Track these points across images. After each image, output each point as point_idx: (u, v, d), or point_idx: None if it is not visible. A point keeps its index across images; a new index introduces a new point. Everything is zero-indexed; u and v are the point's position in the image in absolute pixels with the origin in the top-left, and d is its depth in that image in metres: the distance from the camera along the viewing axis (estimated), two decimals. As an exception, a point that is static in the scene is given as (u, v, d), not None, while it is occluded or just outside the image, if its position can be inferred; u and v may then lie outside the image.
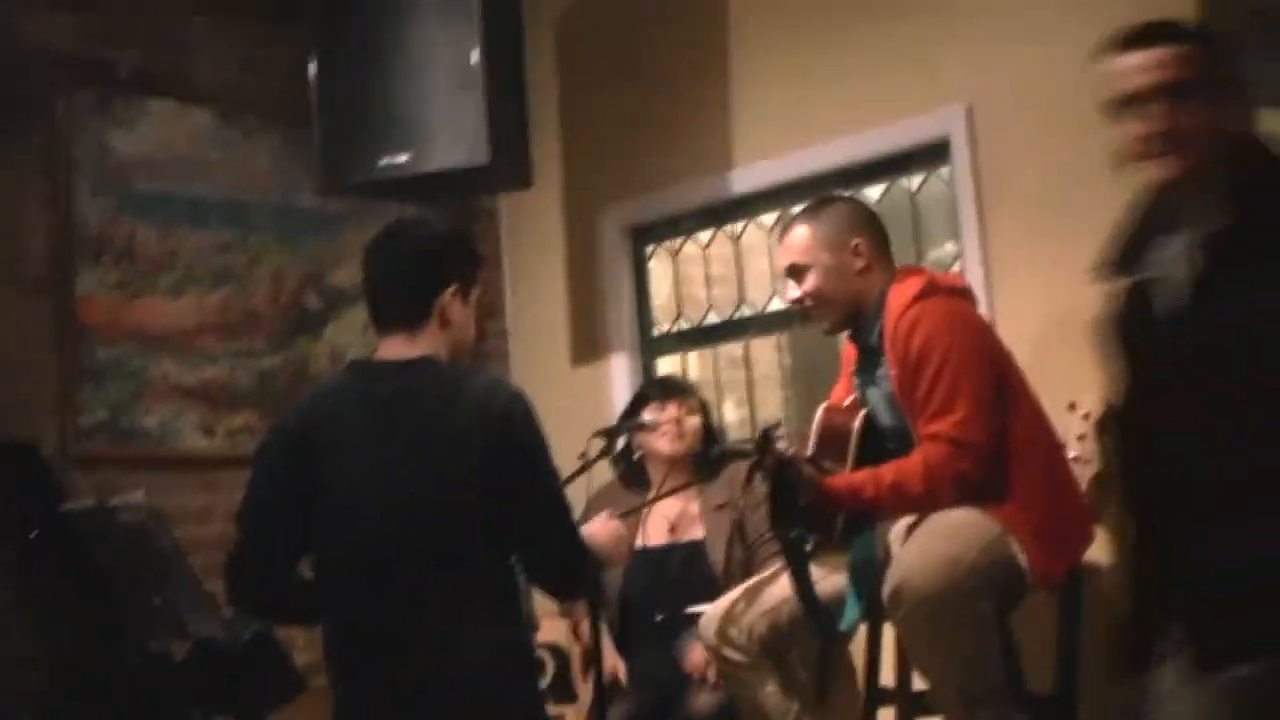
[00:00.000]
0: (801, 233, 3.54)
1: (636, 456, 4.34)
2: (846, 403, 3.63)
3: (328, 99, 4.51)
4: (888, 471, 3.29)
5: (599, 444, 4.00)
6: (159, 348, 4.77)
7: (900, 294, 3.38)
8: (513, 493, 2.83)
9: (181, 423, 4.80)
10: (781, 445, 3.28)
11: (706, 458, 4.23)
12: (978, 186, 4.24)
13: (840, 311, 3.52)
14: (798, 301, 3.57)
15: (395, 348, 2.94)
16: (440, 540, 2.81)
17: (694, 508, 4.26)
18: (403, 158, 4.41)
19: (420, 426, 2.86)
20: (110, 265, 4.71)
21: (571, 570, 2.99)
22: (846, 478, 3.36)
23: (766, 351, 5.34)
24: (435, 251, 2.99)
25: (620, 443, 4.33)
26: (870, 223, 3.58)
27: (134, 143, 4.83)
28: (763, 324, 5.05)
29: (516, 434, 2.84)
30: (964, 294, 3.51)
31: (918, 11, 4.42)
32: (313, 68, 4.52)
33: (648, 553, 4.24)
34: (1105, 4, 3.95)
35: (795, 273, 3.53)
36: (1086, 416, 3.84)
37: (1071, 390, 3.80)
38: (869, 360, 3.52)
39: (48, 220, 4.63)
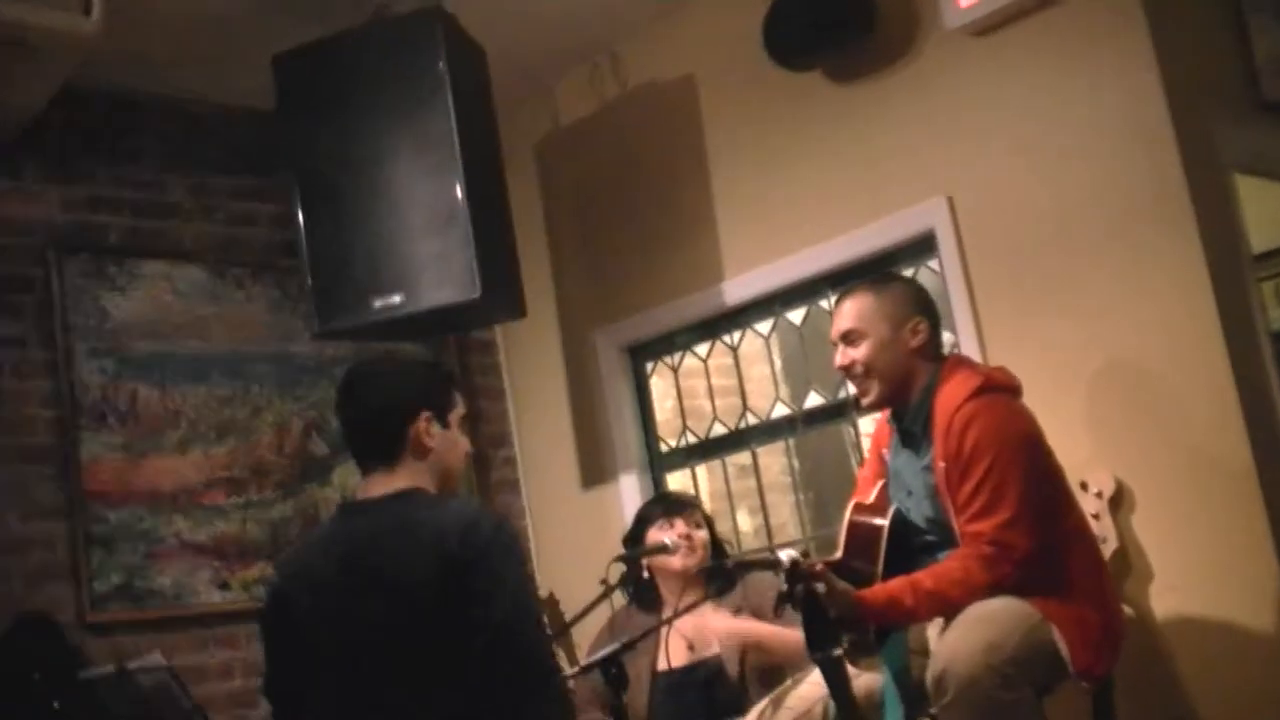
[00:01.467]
0: (865, 300, 3.52)
1: (646, 576, 4.30)
2: (872, 497, 3.60)
3: (316, 247, 4.53)
4: (925, 579, 3.24)
5: (619, 569, 3.96)
6: (168, 506, 4.77)
7: (955, 388, 3.36)
8: (471, 630, 2.70)
9: (196, 580, 4.78)
10: (816, 584, 3.23)
11: (716, 571, 4.17)
12: (967, 275, 4.27)
13: (886, 387, 3.49)
14: (845, 369, 3.54)
15: (376, 484, 2.92)
16: (409, 687, 2.73)
17: (713, 623, 4.20)
18: (395, 299, 4.41)
19: (377, 568, 2.79)
20: (114, 428, 4.72)
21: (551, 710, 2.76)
22: (884, 589, 3.28)
23: (775, 458, 5.34)
24: (396, 385, 2.99)
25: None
26: (930, 308, 3.57)
27: (129, 305, 4.86)
28: (768, 431, 5.05)
29: (475, 565, 2.71)
30: (1017, 391, 3.49)
31: (891, 110, 4.49)
32: (299, 217, 4.56)
33: (671, 674, 4.19)
34: (1069, 92, 4.06)
35: (850, 338, 3.51)
36: (1100, 494, 3.85)
37: (1078, 470, 3.82)
38: (911, 445, 3.50)
39: (48, 388, 4.64)
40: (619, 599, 4.27)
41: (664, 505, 4.37)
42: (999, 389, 3.40)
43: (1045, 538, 3.24)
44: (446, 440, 2.99)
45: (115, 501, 4.67)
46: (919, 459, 3.44)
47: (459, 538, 2.75)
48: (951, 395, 3.35)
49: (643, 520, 4.33)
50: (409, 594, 2.74)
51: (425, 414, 2.94)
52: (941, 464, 3.31)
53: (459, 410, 3.05)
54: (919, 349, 3.47)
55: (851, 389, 3.63)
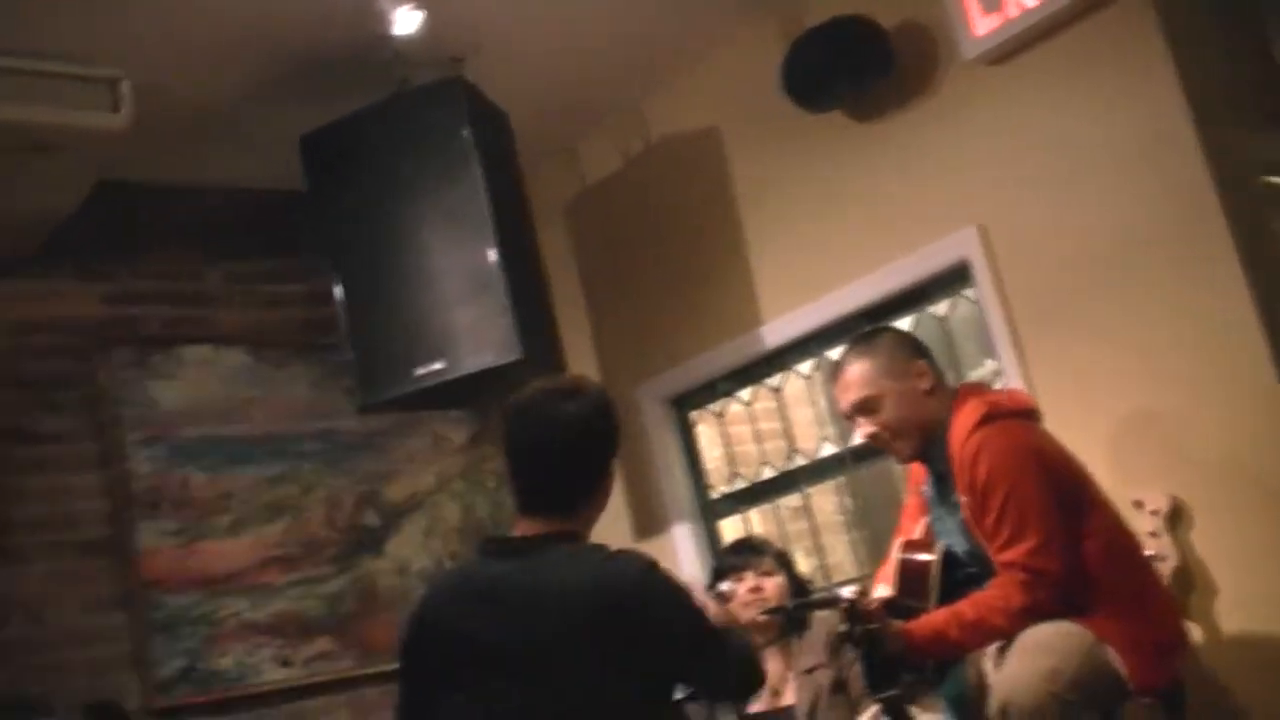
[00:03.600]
0: (862, 367, 3.48)
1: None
2: (919, 533, 3.60)
3: (355, 321, 4.56)
4: (967, 609, 3.24)
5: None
6: (225, 589, 4.79)
7: (964, 420, 3.35)
8: (652, 652, 2.72)
9: (258, 659, 4.79)
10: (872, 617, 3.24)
11: (789, 617, 4.16)
12: (1004, 301, 4.26)
13: (918, 437, 3.46)
14: (872, 437, 3.52)
15: (533, 524, 2.83)
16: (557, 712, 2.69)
17: (790, 670, 4.19)
18: (437, 365, 4.43)
19: (523, 604, 2.72)
20: (167, 515, 4.75)
21: (744, 677, 2.99)
22: (929, 623, 3.28)
23: (826, 498, 5.32)
24: (596, 429, 2.85)
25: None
26: (922, 347, 3.57)
27: (174, 392, 4.90)
28: (817, 472, 5.04)
29: (635, 596, 2.69)
30: (1027, 414, 3.46)
31: (915, 143, 4.50)
32: (337, 293, 4.60)
33: (757, 718, 4.18)
34: (1092, 112, 4.05)
35: (865, 408, 3.47)
36: (1155, 512, 3.82)
37: (1132, 489, 3.79)
38: (942, 485, 3.49)
39: (101, 481, 4.69)
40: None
41: (734, 556, 4.35)
42: (1006, 414, 3.37)
43: (1075, 554, 3.23)
44: (611, 489, 2.94)
45: (173, 587, 4.69)
46: (949, 496, 3.44)
47: (616, 572, 2.73)
48: (961, 428, 3.34)
49: (717, 573, 4.32)
50: (551, 642, 2.67)
51: (614, 462, 2.87)
52: (964, 498, 3.31)
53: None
54: (930, 390, 3.46)
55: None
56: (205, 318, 5.09)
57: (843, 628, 3.28)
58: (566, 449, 2.81)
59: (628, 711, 2.70)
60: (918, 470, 3.65)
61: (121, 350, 4.84)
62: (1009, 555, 3.21)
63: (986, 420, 3.32)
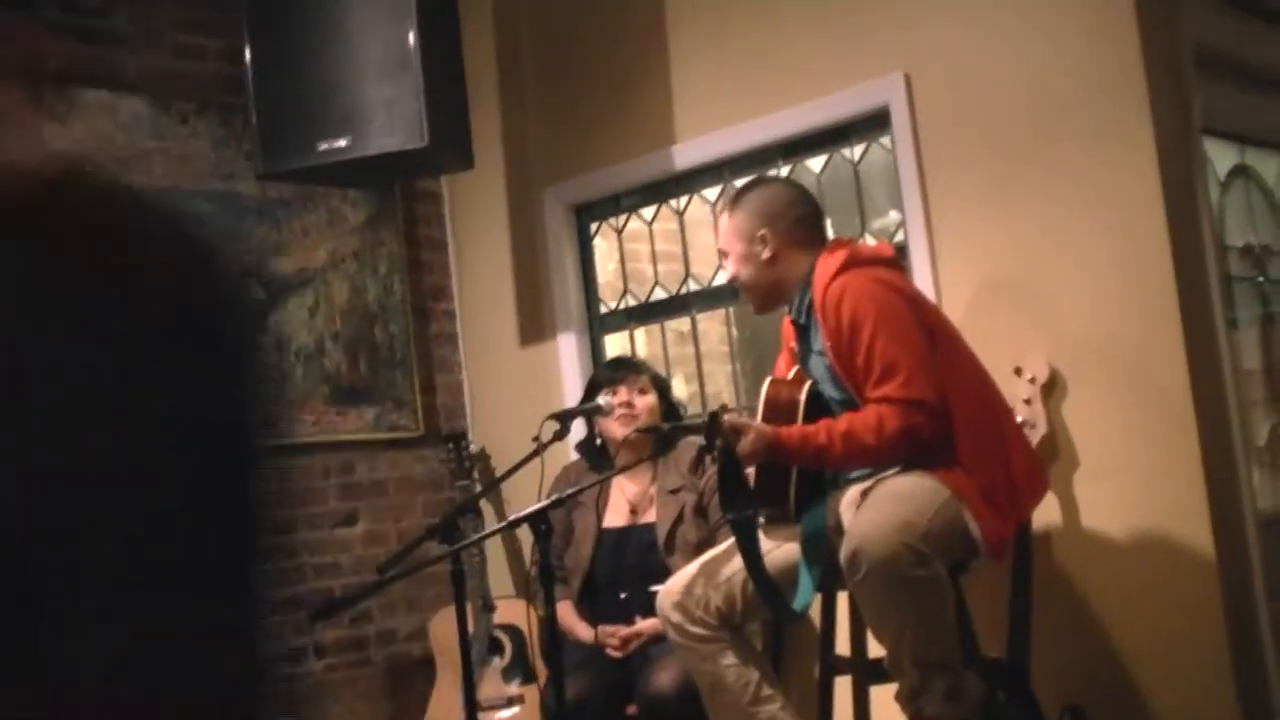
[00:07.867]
0: (723, 221, 3.67)
1: (599, 440, 4.37)
2: (791, 375, 3.65)
3: (264, 85, 4.46)
4: (841, 421, 3.32)
5: (552, 428, 3.98)
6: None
7: (824, 268, 3.44)
8: None
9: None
10: (729, 417, 3.31)
11: (660, 437, 4.24)
12: (918, 154, 4.25)
13: (759, 296, 3.65)
14: (731, 283, 3.75)
15: None
16: None
17: (653, 489, 4.27)
18: (342, 142, 4.37)
19: None
20: (48, 260, 4.65)
21: None
22: (799, 428, 3.38)
23: (714, 326, 5.34)
24: None
25: (581, 427, 4.38)
26: (790, 207, 3.62)
27: (68, 135, 4.75)
28: (709, 298, 5.05)
29: None
30: (888, 262, 3.54)
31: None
32: (248, 53, 4.47)
33: (609, 533, 4.27)
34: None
35: (722, 256, 3.70)
36: (1033, 380, 3.88)
37: (1016, 355, 3.84)
38: (804, 335, 3.57)
39: (-18, 217, 4.56)
40: (556, 459, 4.30)
41: (611, 370, 4.43)
42: (865, 261, 3.47)
43: (943, 393, 3.30)
44: None
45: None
46: (813, 346, 3.50)
47: None
48: (821, 278, 3.43)
49: (592, 385, 4.41)
50: None
51: None
52: (829, 343, 3.37)
53: None
54: (771, 259, 3.56)
55: None
56: (108, 60, 4.90)
57: (704, 441, 3.36)
58: None
59: None
60: (788, 328, 3.70)
61: (11, 85, 4.66)
62: (882, 390, 3.28)
63: (847, 266, 3.42)
